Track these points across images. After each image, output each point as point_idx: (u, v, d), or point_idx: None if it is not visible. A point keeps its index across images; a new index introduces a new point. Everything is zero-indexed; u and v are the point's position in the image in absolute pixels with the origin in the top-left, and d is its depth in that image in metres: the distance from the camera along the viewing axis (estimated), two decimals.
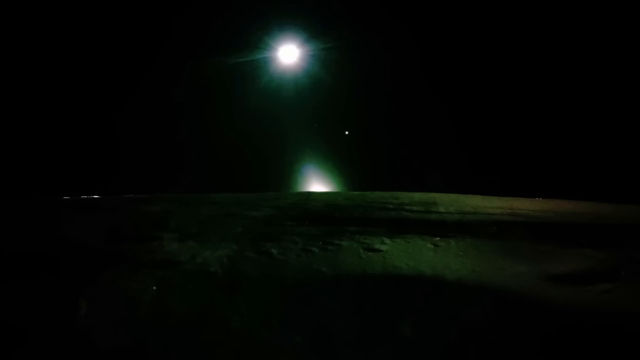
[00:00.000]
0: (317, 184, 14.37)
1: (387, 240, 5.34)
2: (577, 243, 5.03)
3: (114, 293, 3.61)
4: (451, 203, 9.60)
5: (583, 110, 12.48)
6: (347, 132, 13.72)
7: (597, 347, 2.77)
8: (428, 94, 13.44)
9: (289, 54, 13.51)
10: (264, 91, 14.46)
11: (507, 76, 11.33)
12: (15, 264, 4.41)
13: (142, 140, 13.71)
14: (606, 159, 12.22)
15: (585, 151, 12.46)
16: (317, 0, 13.15)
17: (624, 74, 11.61)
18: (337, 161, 14.57)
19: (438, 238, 5.46)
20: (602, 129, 12.26)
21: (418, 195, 11.00)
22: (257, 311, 3.27)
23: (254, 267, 4.31)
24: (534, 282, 3.88)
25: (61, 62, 12.78)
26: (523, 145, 13.27)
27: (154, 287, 3.73)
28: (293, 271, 4.17)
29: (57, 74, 12.75)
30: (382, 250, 4.90)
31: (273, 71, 14.04)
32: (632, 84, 11.69)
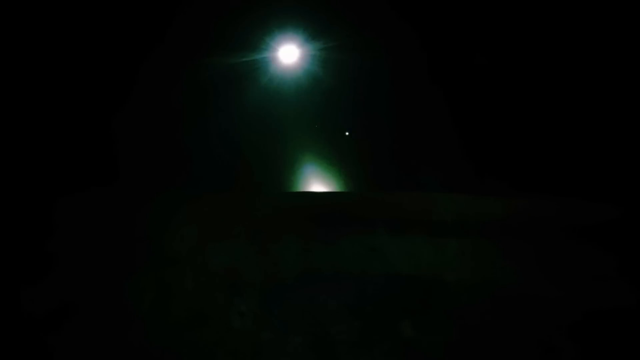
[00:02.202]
0: (317, 184, 14.34)
1: (387, 240, 5.34)
2: (577, 243, 5.03)
3: (114, 293, 3.61)
4: (451, 203, 9.59)
5: (584, 110, 12.44)
6: (347, 133, 13.75)
7: (597, 347, 2.77)
8: (429, 94, 13.40)
9: (289, 54, 13.51)
10: (264, 91, 14.43)
11: (508, 76, 11.33)
12: (16, 264, 4.41)
13: (141, 141, 13.68)
14: (606, 159, 12.19)
15: (586, 151, 12.42)
16: (318, 0, 13.13)
17: (624, 73, 11.58)
18: (338, 161, 14.55)
19: (438, 238, 5.46)
20: (603, 129, 12.22)
21: (418, 196, 10.98)
22: (257, 311, 3.27)
23: (254, 266, 4.31)
24: (533, 282, 3.88)
25: (60, 60, 12.74)
26: (524, 145, 13.21)
27: (154, 287, 3.73)
28: (293, 271, 4.18)
29: (56, 72, 12.71)
30: (382, 250, 4.90)
31: (273, 71, 14.02)
32: (631, 84, 11.67)
